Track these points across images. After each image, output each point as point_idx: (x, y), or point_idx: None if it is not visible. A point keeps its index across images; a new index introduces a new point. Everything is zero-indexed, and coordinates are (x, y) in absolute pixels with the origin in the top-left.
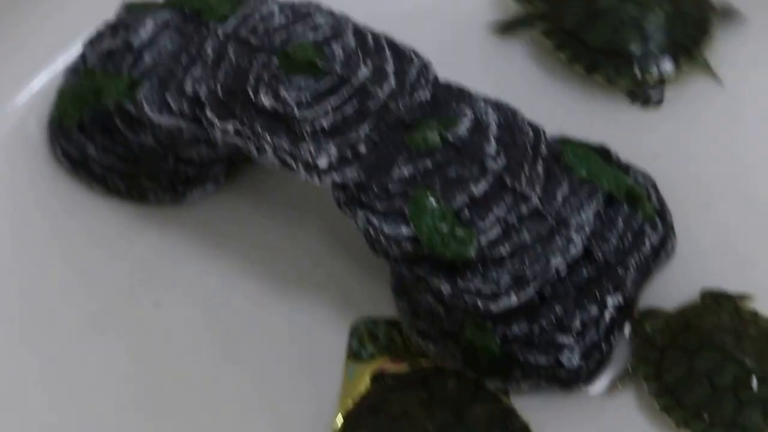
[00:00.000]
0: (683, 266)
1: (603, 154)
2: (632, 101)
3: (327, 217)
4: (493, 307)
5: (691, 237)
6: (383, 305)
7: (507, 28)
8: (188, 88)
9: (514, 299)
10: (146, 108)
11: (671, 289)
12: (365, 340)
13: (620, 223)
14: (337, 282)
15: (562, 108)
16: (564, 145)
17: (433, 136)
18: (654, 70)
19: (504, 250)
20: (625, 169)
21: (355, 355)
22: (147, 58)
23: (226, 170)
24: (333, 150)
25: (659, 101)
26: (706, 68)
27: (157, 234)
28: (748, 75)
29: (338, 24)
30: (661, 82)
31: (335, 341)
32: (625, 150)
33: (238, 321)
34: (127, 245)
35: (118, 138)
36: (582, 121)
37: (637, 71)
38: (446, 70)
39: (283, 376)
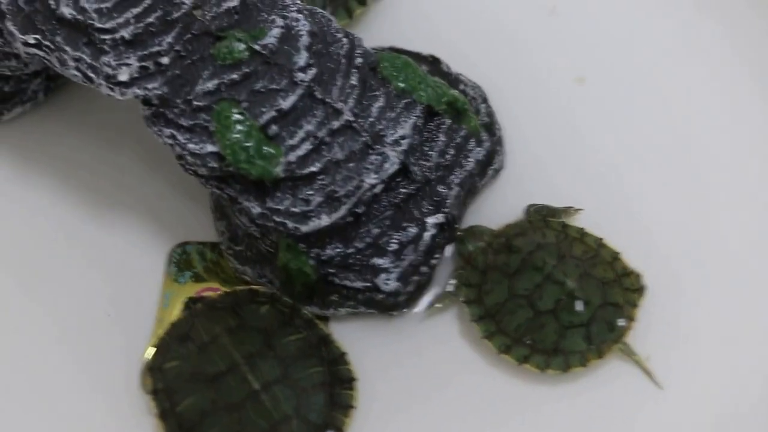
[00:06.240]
0: (516, 183)
1: (433, 63)
2: None
3: (149, 138)
4: (304, 228)
5: (525, 152)
6: (204, 229)
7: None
8: None
9: (325, 219)
10: None
11: (502, 207)
12: (183, 264)
13: (441, 137)
14: (156, 205)
15: None
16: (382, 57)
17: (240, 47)
18: None
19: (314, 167)
20: (454, 80)
21: (173, 280)
22: None
23: (45, 88)
24: (134, 62)
25: None
26: None
27: None
28: None
29: None
30: None
31: (154, 266)
32: None
33: (49, 245)
34: None
35: None
36: None
37: None
38: None
39: (96, 305)
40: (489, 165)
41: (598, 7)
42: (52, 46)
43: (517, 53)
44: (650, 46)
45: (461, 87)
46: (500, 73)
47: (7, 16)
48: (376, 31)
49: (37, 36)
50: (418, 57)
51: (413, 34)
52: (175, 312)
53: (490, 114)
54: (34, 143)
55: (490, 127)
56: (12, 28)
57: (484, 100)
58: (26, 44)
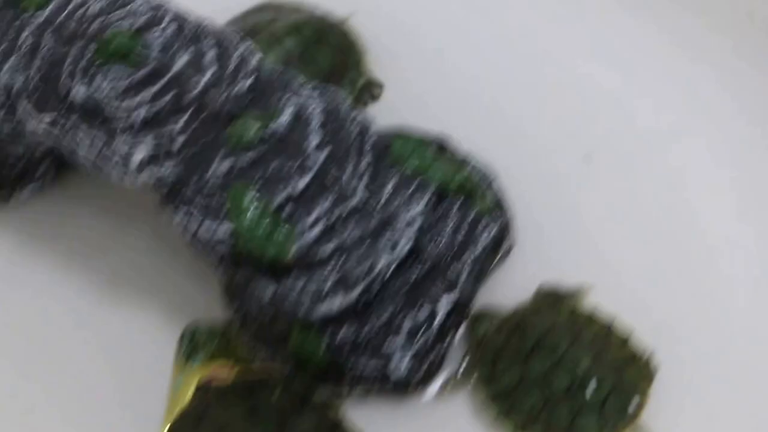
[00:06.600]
0: (526, 262)
1: (440, 145)
2: None
3: (159, 219)
4: (318, 310)
5: (533, 232)
6: (214, 310)
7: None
8: (3, 79)
9: (338, 302)
10: None
11: (512, 286)
12: (195, 346)
13: (453, 218)
14: (166, 286)
15: None
16: (393, 138)
17: (252, 130)
18: None
19: (327, 249)
20: (462, 161)
21: (184, 363)
22: None
23: (54, 170)
24: (149, 144)
25: None
26: None
27: None
28: None
29: (157, 10)
30: None
31: (163, 349)
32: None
33: (59, 328)
34: None
35: None
36: None
37: None
38: None
39: (105, 389)
40: (500, 245)
41: (595, 83)
42: (66, 129)
43: (522, 133)
44: (656, 120)
45: (470, 167)
46: (506, 154)
47: (22, 98)
48: (383, 111)
49: (51, 117)
50: (425, 138)
51: (419, 115)
52: (187, 395)
53: (500, 194)
54: (42, 225)
55: (500, 206)
56: (26, 110)
57: (494, 180)
58: (40, 126)
